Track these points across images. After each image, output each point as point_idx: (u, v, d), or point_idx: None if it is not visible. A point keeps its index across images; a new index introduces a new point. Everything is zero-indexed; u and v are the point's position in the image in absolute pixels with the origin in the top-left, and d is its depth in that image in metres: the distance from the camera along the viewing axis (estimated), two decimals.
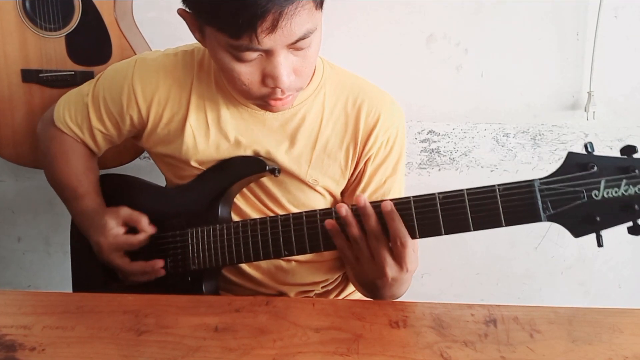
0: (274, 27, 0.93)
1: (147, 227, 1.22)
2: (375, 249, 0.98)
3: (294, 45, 0.98)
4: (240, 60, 1.00)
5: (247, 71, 1.02)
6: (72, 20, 1.52)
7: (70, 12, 1.51)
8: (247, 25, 0.92)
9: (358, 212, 0.99)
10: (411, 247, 0.98)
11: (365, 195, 1.20)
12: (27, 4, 1.51)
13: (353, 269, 1.06)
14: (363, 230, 0.99)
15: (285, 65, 1.00)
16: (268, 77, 1.02)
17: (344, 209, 0.99)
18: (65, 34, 1.53)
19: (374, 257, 0.99)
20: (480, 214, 0.93)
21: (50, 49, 1.55)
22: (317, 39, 1.03)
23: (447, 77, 1.82)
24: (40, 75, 1.56)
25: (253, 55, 0.99)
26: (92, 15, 1.52)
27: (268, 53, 0.99)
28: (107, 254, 1.21)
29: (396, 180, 1.25)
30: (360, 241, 1.00)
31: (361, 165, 1.22)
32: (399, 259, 0.98)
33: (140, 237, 1.22)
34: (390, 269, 0.99)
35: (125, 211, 1.23)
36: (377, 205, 0.98)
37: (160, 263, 1.21)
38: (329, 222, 1.02)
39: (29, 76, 1.57)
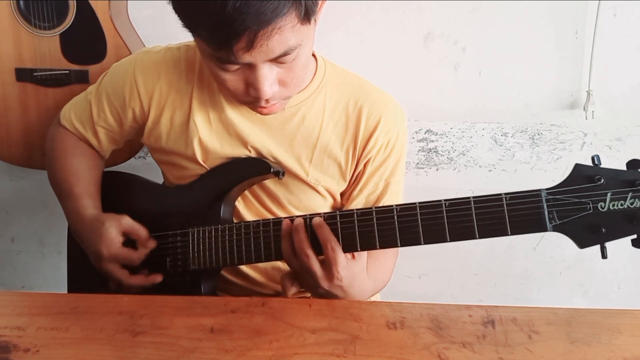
0: (249, 47, 0.92)
1: (146, 243, 1.20)
2: (304, 262, 1.02)
3: (276, 60, 0.98)
4: (224, 69, 1.00)
5: (232, 79, 1.02)
6: (66, 18, 1.51)
7: (64, 11, 1.51)
8: (223, 43, 0.92)
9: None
10: (340, 257, 1.01)
11: (363, 196, 1.20)
12: (22, 2, 1.51)
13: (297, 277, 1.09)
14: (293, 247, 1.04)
15: (269, 77, 0.99)
16: (251, 88, 1.02)
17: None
18: (59, 32, 1.53)
19: (305, 270, 1.03)
20: (486, 222, 0.94)
21: (45, 48, 1.54)
22: (305, 51, 1.02)
23: (444, 76, 1.81)
24: (35, 74, 1.55)
25: (235, 66, 0.99)
26: (86, 14, 1.51)
27: (250, 65, 0.98)
28: (106, 264, 1.19)
29: (394, 181, 1.24)
30: (291, 258, 1.05)
31: (360, 167, 1.22)
32: (328, 269, 1.01)
33: (141, 253, 1.20)
34: (323, 281, 1.02)
35: (127, 221, 1.20)
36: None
37: (159, 278, 1.20)
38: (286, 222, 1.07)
39: (23, 75, 1.56)
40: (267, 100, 1.04)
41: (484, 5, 1.74)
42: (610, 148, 1.84)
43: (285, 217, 1.08)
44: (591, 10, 1.71)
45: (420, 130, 1.86)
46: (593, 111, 1.78)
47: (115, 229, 1.18)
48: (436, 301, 1.00)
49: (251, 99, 1.05)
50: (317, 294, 1.06)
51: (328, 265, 1.01)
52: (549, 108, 1.82)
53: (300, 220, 1.04)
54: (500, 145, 1.86)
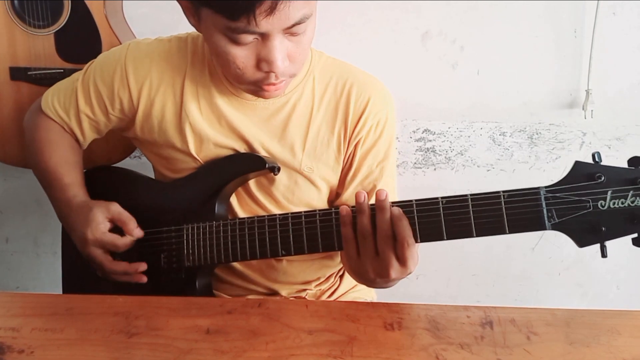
0: (272, 10, 0.93)
1: (133, 232, 1.19)
2: (382, 247, 0.97)
3: (289, 30, 0.99)
4: (236, 43, 1.01)
5: (243, 55, 1.02)
6: (61, 17, 1.51)
7: (59, 10, 1.51)
8: (246, 7, 0.93)
9: (374, 205, 0.98)
10: (415, 247, 0.97)
11: (358, 181, 1.22)
12: (16, 2, 1.50)
13: (353, 264, 1.04)
14: (373, 225, 0.98)
15: (280, 49, 1.01)
16: (263, 62, 1.02)
17: (363, 196, 0.99)
18: (54, 31, 1.52)
19: (379, 255, 0.98)
20: (484, 220, 0.93)
21: (39, 47, 1.54)
22: (312, 25, 1.04)
23: (442, 75, 1.81)
24: (29, 73, 1.55)
25: (249, 38, 0.99)
26: (81, 13, 1.51)
27: (264, 37, 0.99)
28: (90, 248, 1.18)
29: (388, 165, 1.25)
30: (367, 236, 0.98)
31: (351, 148, 1.22)
32: (403, 260, 0.97)
33: (126, 240, 1.19)
34: (394, 269, 0.98)
35: (115, 208, 1.20)
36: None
37: (143, 266, 1.19)
38: (344, 209, 1.01)
39: (18, 74, 1.56)
40: (276, 76, 1.05)
41: (482, 4, 1.74)
42: (610, 147, 1.83)
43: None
44: (590, 9, 1.71)
45: (418, 129, 1.86)
46: (592, 110, 1.77)
47: (102, 215, 1.18)
48: (434, 302, 1.00)
49: (261, 77, 1.05)
50: (370, 282, 1.04)
51: (402, 259, 0.97)
52: (547, 107, 1.82)
53: (389, 203, 0.98)
54: (499, 145, 1.86)
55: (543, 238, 1.94)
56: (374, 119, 1.21)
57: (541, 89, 1.81)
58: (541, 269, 2.00)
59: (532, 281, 2.03)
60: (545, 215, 0.90)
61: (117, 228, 1.20)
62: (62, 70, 1.55)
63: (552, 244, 1.95)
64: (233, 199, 1.25)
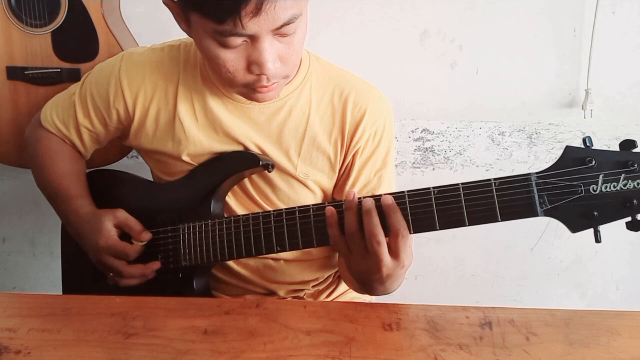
0: (257, 11, 0.93)
1: (141, 236, 1.20)
2: (370, 243, 0.96)
3: (279, 31, 0.98)
4: (225, 46, 1.00)
5: (232, 58, 1.02)
6: (58, 16, 1.51)
7: (56, 9, 1.50)
8: (231, 9, 0.92)
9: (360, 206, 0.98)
10: (409, 241, 0.97)
11: (356, 190, 1.19)
12: (13, 1, 1.50)
13: (347, 262, 1.04)
14: (360, 222, 0.97)
15: (271, 51, 1.00)
16: (253, 64, 1.02)
17: (352, 194, 0.99)
18: (51, 30, 1.52)
19: (369, 251, 0.97)
20: (476, 209, 0.93)
21: (36, 46, 1.53)
22: (303, 25, 1.03)
23: (441, 75, 1.81)
24: (26, 72, 1.55)
25: (238, 40, 0.99)
26: (78, 12, 1.51)
27: (253, 39, 0.98)
28: (104, 256, 1.19)
29: (386, 173, 1.24)
30: (354, 233, 0.98)
31: (349, 158, 1.22)
32: (396, 252, 0.96)
33: (137, 247, 1.20)
34: (386, 264, 0.97)
35: (121, 214, 1.21)
36: (377, 198, 0.97)
37: (157, 265, 1.20)
38: (330, 209, 1.00)
39: (14, 73, 1.56)
40: (268, 79, 1.04)
41: (481, 3, 1.74)
42: (609, 147, 1.82)
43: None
44: (589, 8, 1.71)
45: (416, 129, 1.86)
46: (591, 110, 1.77)
47: (110, 222, 1.20)
48: (432, 302, 1.00)
49: (252, 79, 1.04)
50: (367, 280, 1.03)
51: (395, 253, 0.97)
52: (546, 107, 1.82)
53: (372, 201, 0.97)
54: (498, 145, 1.86)
55: (542, 238, 1.94)
56: (372, 129, 1.21)
57: (540, 88, 1.81)
58: (540, 270, 2.00)
59: (531, 282, 2.02)
60: (537, 202, 0.89)
61: (125, 234, 1.21)
62: (59, 70, 1.54)
63: (551, 244, 1.95)
64: (233, 202, 1.25)
